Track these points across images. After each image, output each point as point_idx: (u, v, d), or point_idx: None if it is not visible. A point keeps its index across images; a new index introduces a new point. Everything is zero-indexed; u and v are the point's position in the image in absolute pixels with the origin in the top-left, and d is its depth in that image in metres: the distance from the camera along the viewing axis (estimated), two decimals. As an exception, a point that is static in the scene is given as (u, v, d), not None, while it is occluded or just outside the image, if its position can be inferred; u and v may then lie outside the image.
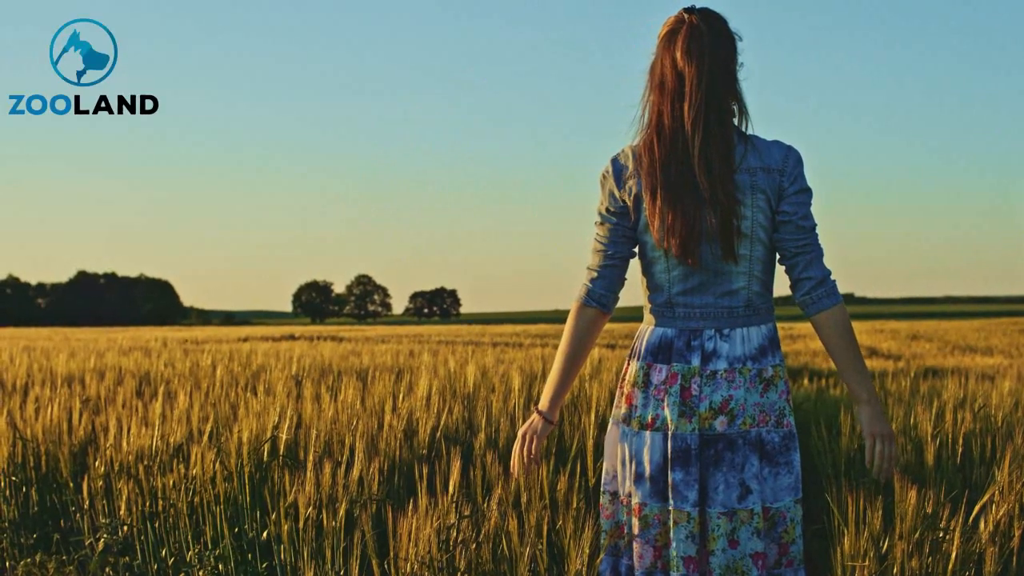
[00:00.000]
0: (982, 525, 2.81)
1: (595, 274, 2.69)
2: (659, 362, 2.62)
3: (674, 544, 2.53)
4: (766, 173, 2.58)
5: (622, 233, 2.65)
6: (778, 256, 2.63)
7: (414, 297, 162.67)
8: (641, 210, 2.59)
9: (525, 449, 2.73)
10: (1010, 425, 3.75)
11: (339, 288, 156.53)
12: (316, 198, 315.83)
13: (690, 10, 2.60)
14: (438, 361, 7.35)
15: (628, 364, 2.72)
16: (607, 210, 2.66)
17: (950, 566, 2.74)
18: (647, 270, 2.67)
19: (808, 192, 2.60)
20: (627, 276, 2.70)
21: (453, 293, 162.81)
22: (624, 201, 2.62)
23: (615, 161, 2.66)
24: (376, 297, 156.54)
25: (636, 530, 2.60)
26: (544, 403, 2.74)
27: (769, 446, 2.57)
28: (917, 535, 2.74)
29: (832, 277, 2.58)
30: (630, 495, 2.63)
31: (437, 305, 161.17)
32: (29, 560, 4.31)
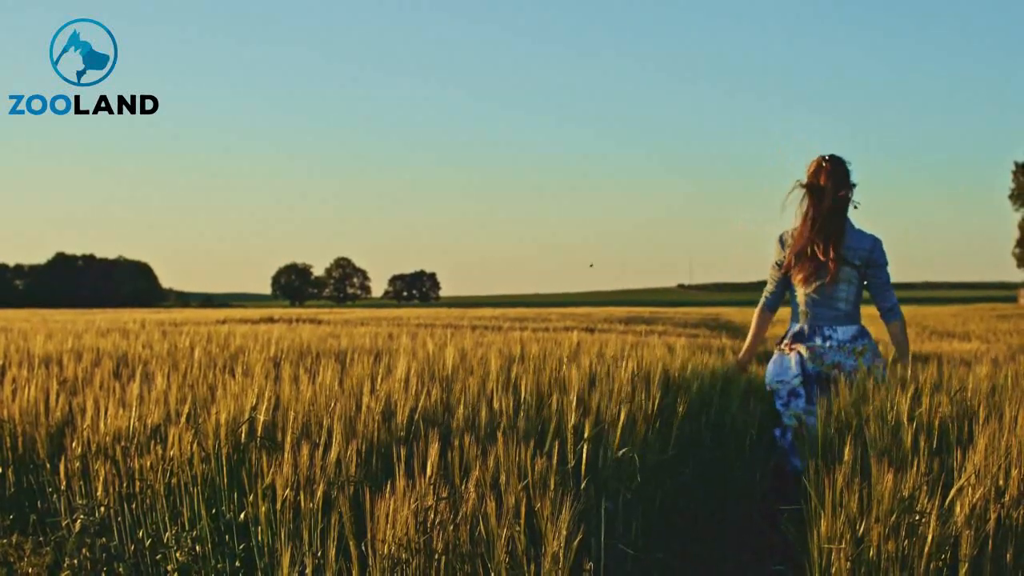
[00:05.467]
0: (958, 508, 2.82)
1: (768, 294, 5.35)
2: (796, 343, 5.13)
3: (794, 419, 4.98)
4: (858, 252, 5.08)
5: (782, 274, 5.22)
6: (869, 290, 5.17)
7: (393, 280, 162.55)
8: (791, 265, 5.12)
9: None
10: (986, 409, 3.76)
11: (318, 271, 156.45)
12: (296, 181, 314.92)
13: (825, 158, 5.10)
14: (417, 344, 7.33)
15: (781, 343, 5.20)
16: (776, 263, 5.24)
17: (926, 549, 2.75)
18: (792, 293, 5.23)
19: (885, 265, 5.13)
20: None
21: (432, 276, 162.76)
22: (783, 259, 5.17)
23: (780, 237, 5.23)
24: (355, 280, 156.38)
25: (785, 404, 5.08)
26: (741, 359, 5.80)
27: (878, 370, 4.79)
28: (894, 518, 2.75)
29: (896, 302, 5.21)
30: (786, 390, 5.07)
31: (416, 288, 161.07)
32: (5, 541, 4.29)
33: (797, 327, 5.16)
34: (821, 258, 5.02)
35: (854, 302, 5.11)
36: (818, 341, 5.07)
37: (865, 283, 5.17)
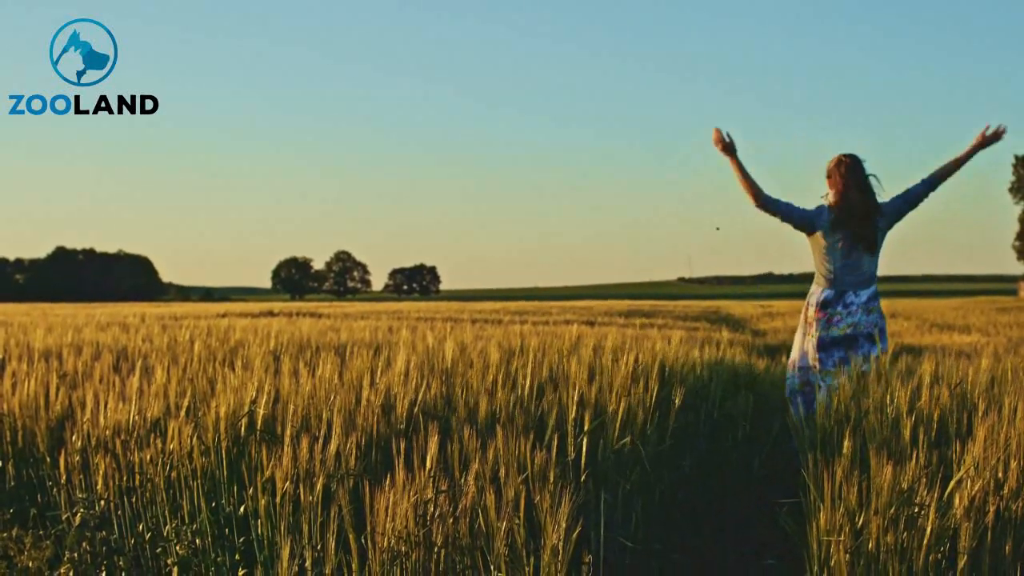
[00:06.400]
0: (957, 501, 2.82)
1: (779, 201, 5.82)
2: (824, 308, 5.81)
3: (822, 387, 5.30)
4: (883, 214, 5.78)
5: (793, 214, 5.84)
6: (922, 202, 5.89)
7: (394, 274, 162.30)
8: (828, 230, 5.79)
9: (723, 136, 5.78)
10: (986, 402, 3.76)
11: (319, 265, 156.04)
12: (296, 175, 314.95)
13: (845, 155, 5.79)
14: (417, 337, 7.33)
15: (808, 307, 5.94)
16: (801, 211, 5.84)
17: (925, 541, 2.75)
18: (823, 258, 5.86)
19: (893, 201, 5.82)
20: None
21: (433, 270, 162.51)
22: (812, 220, 5.82)
23: (821, 205, 5.83)
24: (356, 274, 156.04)
25: (803, 368, 5.90)
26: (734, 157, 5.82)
27: (876, 334, 5.72)
28: (893, 511, 2.75)
29: (925, 178, 5.85)
30: (806, 362, 5.86)
31: (417, 282, 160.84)
32: (6, 535, 4.29)
33: (823, 294, 5.86)
34: (865, 239, 5.75)
35: (876, 264, 5.88)
36: (840, 308, 5.80)
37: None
